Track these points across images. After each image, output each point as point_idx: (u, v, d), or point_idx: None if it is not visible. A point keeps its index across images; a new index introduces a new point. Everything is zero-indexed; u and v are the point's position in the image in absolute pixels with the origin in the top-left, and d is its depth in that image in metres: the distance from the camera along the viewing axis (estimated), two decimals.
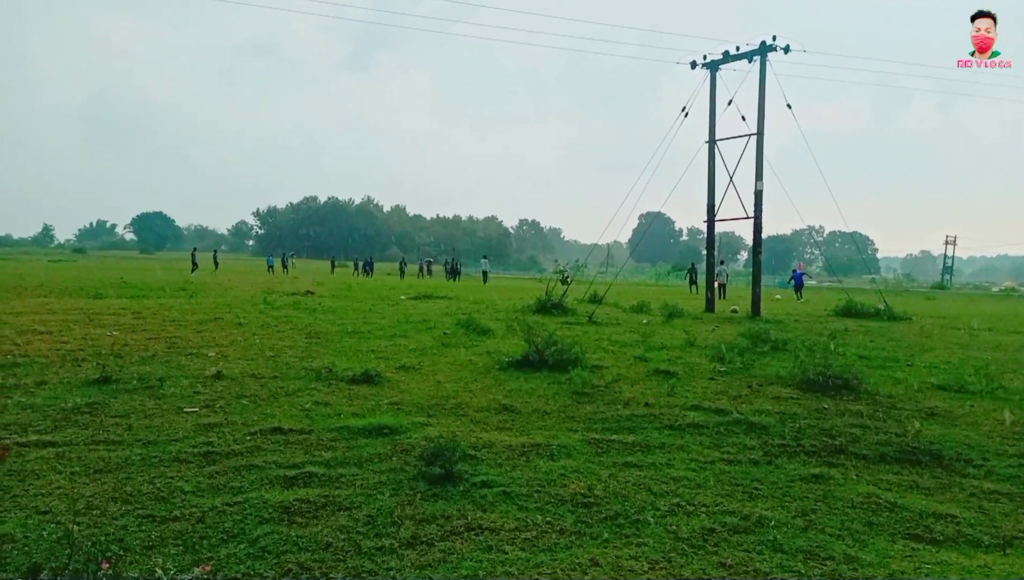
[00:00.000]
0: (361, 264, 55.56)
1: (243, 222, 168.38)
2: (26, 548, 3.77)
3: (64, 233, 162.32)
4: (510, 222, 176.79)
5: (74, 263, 56.94)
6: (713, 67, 21.54)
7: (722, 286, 28.76)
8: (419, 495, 4.83)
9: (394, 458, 5.61)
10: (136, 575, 2.73)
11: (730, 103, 21.01)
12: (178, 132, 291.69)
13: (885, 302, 21.87)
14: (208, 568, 2.95)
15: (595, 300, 20.58)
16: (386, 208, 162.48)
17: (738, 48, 20.75)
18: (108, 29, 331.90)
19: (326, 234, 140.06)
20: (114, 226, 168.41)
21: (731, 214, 21.76)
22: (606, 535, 4.28)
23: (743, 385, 8.89)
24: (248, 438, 5.98)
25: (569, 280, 21.91)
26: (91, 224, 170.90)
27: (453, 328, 13.50)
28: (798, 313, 22.20)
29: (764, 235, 21.04)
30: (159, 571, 2.71)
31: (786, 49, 19.95)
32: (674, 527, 4.43)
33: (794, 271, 39.22)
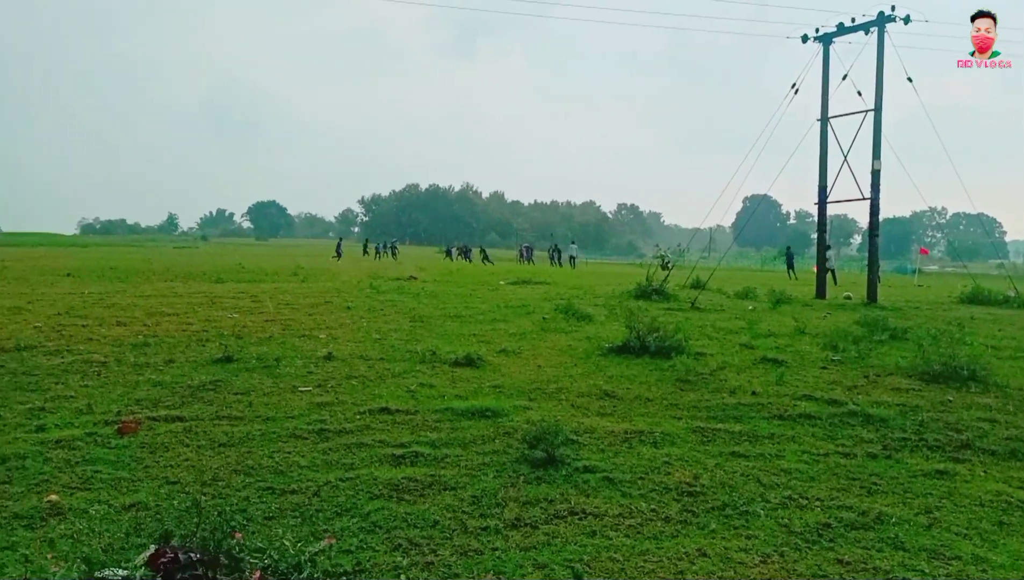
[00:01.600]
0: (478, 251, 56.51)
1: (349, 209, 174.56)
2: (158, 516, 4.06)
3: (187, 221, 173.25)
4: (608, 206, 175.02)
5: (196, 250, 60.73)
6: (826, 40, 20.48)
7: (831, 271, 27.41)
8: (522, 478, 4.87)
9: (497, 440, 5.69)
10: (263, 544, 2.89)
11: (844, 78, 19.92)
12: (290, 123, 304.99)
13: (1015, 289, 20.29)
14: (333, 541, 3.09)
15: (697, 286, 20.09)
16: (485, 194, 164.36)
17: (854, 20, 19.62)
18: (226, 26, 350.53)
19: (428, 220, 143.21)
20: (232, 214, 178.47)
21: (844, 195, 20.64)
22: (713, 525, 4.19)
23: (859, 375, 8.47)
24: (358, 417, 6.21)
25: (670, 265, 21.50)
26: (211, 213, 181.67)
27: (552, 313, 13.51)
28: (918, 300, 20.92)
29: (881, 217, 19.90)
30: (287, 543, 2.85)
31: (906, 19, 18.71)
32: (786, 520, 4.28)
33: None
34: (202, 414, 6.21)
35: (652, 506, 4.45)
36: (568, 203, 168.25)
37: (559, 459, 5.10)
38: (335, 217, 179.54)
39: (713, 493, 4.69)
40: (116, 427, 5.70)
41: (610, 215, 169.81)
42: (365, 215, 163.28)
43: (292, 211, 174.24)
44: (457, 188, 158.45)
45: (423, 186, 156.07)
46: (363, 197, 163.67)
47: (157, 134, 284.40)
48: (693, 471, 5.09)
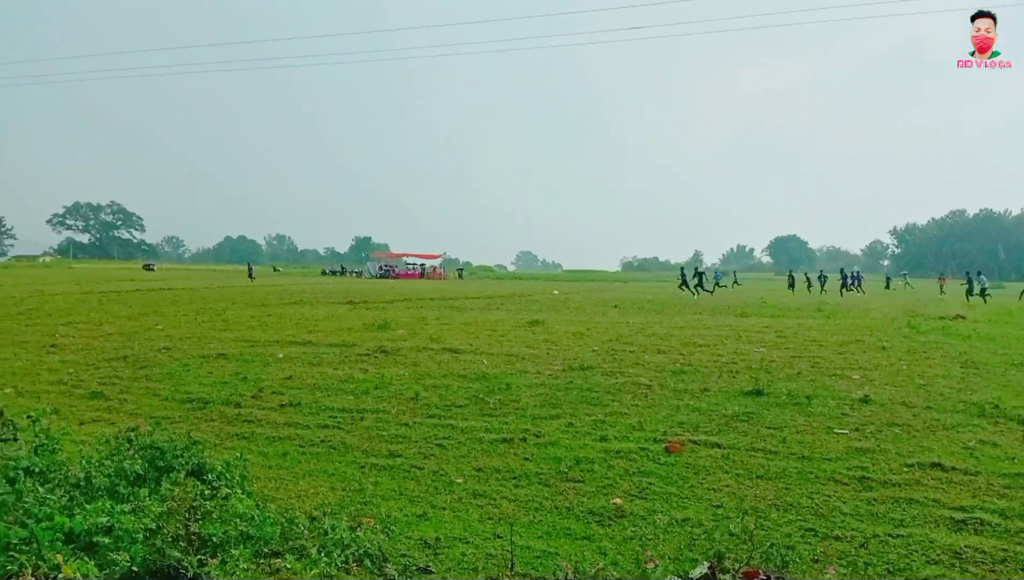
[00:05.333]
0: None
1: (878, 241, 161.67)
2: (706, 535, 4.34)
3: (710, 257, 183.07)
4: None
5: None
6: None
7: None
8: None
9: None
10: None
11: None
12: (813, 157, 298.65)
13: None
14: None
15: None
16: None
17: None
18: (750, 67, 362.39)
19: (975, 250, 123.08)
20: (752, 250, 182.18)
21: None
22: None
23: None
24: (904, 469, 5.66)
25: None
26: (733, 249, 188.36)
27: None
28: None
29: None
30: None
31: None
32: None
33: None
34: (737, 443, 6.45)
35: None
36: None
37: None
38: (861, 250, 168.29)
39: None
40: (664, 445, 6.32)
41: None
42: (897, 246, 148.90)
43: (813, 245, 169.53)
44: (1015, 212, 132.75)
45: (971, 212, 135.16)
46: (895, 227, 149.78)
47: (688, 176, 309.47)
48: None
